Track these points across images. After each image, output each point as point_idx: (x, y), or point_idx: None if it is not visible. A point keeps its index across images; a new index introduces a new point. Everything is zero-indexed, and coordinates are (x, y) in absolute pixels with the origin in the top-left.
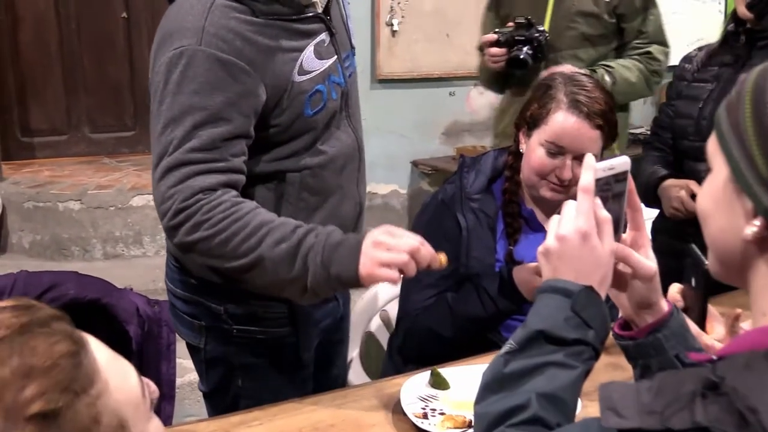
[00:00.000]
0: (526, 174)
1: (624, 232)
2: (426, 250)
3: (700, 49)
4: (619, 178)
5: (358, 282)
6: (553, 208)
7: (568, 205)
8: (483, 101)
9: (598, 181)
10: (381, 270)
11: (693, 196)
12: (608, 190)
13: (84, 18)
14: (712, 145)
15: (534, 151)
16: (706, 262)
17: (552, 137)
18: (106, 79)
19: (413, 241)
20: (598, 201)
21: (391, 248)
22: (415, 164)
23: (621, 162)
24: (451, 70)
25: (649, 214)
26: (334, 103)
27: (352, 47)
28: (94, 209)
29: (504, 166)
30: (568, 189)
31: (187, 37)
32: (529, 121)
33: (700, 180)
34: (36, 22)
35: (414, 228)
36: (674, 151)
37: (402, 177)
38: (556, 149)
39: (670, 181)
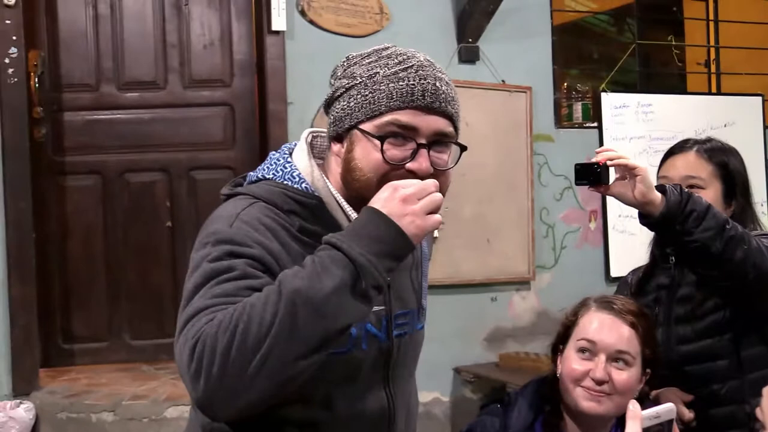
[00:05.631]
0: (564, 387)
1: None
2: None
3: (633, 272)
4: (665, 426)
5: (409, 245)
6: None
7: None
8: (525, 306)
9: (644, 430)
10: (428, 220)
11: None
12: None
13: (130, 227)
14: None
15: (568, 359)
16: None
17: (583, 334)
18: (149, 286)
19: (429, 179)
20: None
21: (421, 194)
22: (457, 371)
23: (666, 410)
24: (493, 276)
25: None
26: (362, 354)
27: (421, 307)
28: (128, 421)
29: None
30: (609, 396)
31: (220, 223)
32: (563, 336)
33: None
34: (85, 232)
35: None
36: None
37: (444, 384)
38: (588, 346)
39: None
